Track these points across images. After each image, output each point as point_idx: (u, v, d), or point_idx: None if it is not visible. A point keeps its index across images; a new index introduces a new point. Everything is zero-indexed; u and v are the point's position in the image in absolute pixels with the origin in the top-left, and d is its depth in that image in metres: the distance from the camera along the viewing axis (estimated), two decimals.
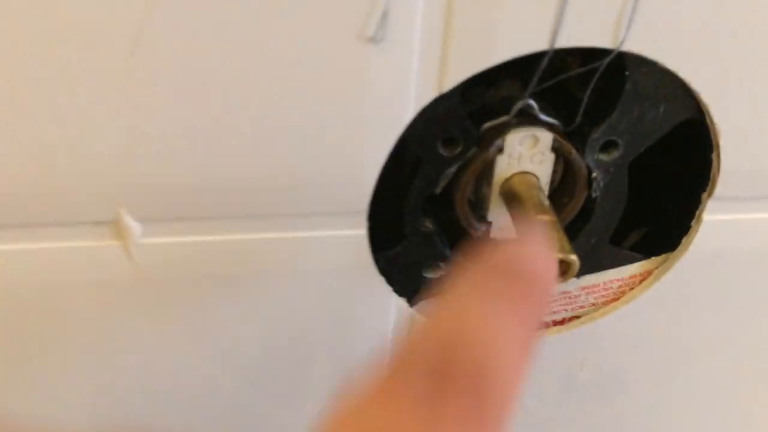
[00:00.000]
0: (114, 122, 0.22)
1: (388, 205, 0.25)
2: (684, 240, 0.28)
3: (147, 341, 0.27)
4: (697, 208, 0.27)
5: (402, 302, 0.28)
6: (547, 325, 0.30)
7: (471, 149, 0.25)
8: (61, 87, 0.21)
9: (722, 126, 0.25)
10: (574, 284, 0.29)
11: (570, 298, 0.30)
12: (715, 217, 0.27)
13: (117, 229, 0.24)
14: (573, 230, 0.28)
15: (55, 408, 0.28)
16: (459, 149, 0.25)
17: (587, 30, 0.22)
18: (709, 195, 0.27)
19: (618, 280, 0.29)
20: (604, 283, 0.29)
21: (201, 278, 0.25)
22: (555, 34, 0.22)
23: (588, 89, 0.24)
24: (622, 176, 0.26)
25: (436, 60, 0.22)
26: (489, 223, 0.27)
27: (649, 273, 0.29)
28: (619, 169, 0.26)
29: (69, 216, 0.23)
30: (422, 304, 0.28)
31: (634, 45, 0.23)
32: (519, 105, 0.25)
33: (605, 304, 0.30)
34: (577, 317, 0.30)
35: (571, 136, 0.26)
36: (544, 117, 0.25)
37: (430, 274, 0.28)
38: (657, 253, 0.29)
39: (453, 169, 0.25)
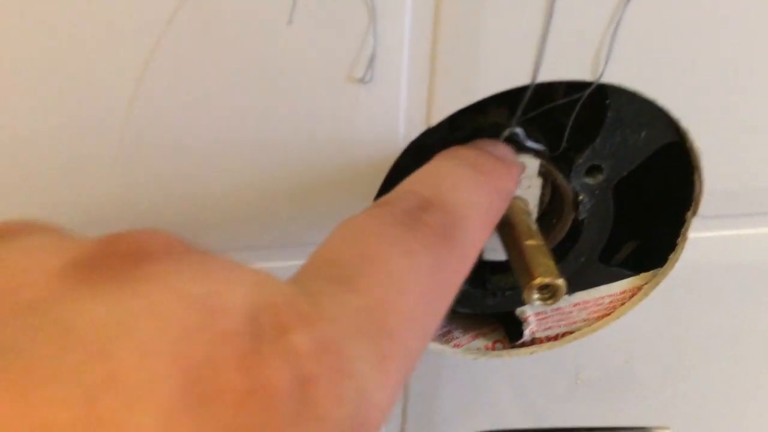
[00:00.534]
0: None
1: None
2: (671, 257, 0.29)
3: None
4: (682, 226, 0.28)
5: None
6: (541, 341, 0.31)
7: None
8: None
9: (702, 149, 0.26)
10: (566, 301, 0.30)
11: (563, 314, 0.31)
12: (699, 235, 0.28)
13: None
14: (562, 250, 0.28)
15: None
16: None
17: (568, 63, 0.23)
18: (693, 214, 0.28)
19: (609, 296, 0.30)
20: (596, 300, 0.30)
21: None
22: (537, 68, 0.23)
23: (571, 117, 0.25)
24: (607, 198, 0.27)
25: (423, 98, 0.23)
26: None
27: (639, 288, 0.30)
28: (605, 192, 0.27)
29: None
30: None
31: (614, 76, 0.23)
32: (506, 133, 0.26)
33: (597, 319, 0.31)
34: (570, 332, 0.31)
35: (558, 160, 0.26)
36: (530, 144, 0.26)
37: None
38: (647, 269, 0.30)
39: None
